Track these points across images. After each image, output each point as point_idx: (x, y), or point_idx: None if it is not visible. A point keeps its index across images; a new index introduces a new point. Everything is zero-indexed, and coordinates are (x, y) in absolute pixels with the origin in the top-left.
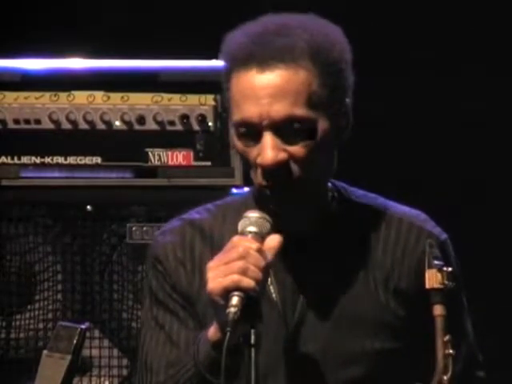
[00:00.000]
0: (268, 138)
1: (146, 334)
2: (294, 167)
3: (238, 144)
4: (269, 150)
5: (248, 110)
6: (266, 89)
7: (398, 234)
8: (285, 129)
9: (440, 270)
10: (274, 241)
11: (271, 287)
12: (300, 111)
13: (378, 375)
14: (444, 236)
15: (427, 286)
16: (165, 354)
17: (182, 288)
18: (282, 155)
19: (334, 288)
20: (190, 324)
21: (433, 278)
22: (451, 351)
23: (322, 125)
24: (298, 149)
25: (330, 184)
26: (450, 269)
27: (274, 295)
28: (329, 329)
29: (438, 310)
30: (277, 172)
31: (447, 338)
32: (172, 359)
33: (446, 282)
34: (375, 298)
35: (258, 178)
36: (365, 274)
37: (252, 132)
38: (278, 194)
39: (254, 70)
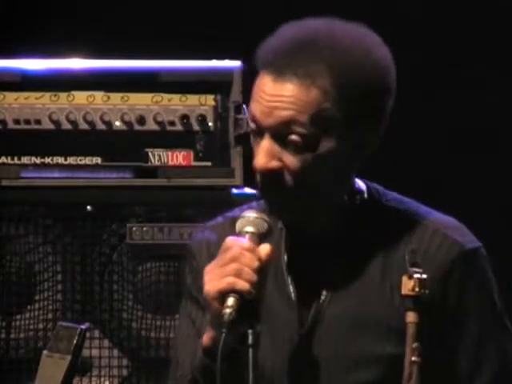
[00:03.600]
0: (265, 143)
1: (180, 328)
2: (287, 177)
3: (252, 140)
4: (262, 154)
5: (254, 107)
6: (272, 96)
7: (420, 240)
8: (283, 137)
9: (411, 276)
10: (264, 251)
11: (290, 287)
12: (301, 123)
13: (388, 380)
14: (471, 245)
15: (402, 291)
16: (192, 349)
17: None
18: (274, 164)
19: (350, 291)
20: None
21: (406, 285)
22: (417, 359)
23: (328, 144)
24: (292, 161)
25: (362, 186)
26: (423, 276)
27: (292, 295)
28: (342, 331)
29: (410, 317)
30: (268, 178)
31: (415, 345)
32: None
33: (417, 290)
34: (390, 303)
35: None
36: (382, 279)
37: (258, 132)
38: (269, 198)
39: (268, 76)
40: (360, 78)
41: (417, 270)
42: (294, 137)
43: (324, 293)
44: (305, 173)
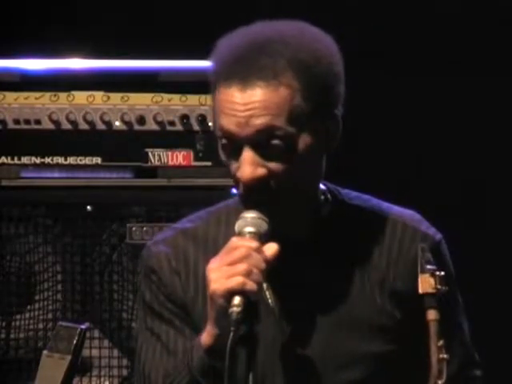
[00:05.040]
0: (247, 154)
1: (141, 345)
2: (273, 183)
3: (222, 155)
4: (247, 165)
5: (228, 122)
6: (245, 105)
7: (392, 235)
8: (264, 144)
9: (433, 274)
10: (271, 250)
11: (267, 293)
12: (279, 127)
13: (375, 378)
14: (438, 236)
15: (420, 290)
16: (162, 364)
17: (177, 297)
18: (261, 171)
19: (330, 291)
20: (186, 332)
21: (426, 283)
22: (445, 356)
23: (305, 140)
24: (277, 165)
25: (322, 186)
26: (442, 273)
27: (270, 300)
28: (325, 332)
29: (432, 314)
30: (255, 187)
31: (441, 342)
32: (170, 368)
33: (439, 287)
34: (371, 301)
35: (240, 190)
36: (360, 277)
37: (233, 146)
38: (257, 208)
39: (234, 87)
40: (319, 67)
41: (433, 267)
42: (275, 141)
43: (303, 296)
44: (290, 174)
